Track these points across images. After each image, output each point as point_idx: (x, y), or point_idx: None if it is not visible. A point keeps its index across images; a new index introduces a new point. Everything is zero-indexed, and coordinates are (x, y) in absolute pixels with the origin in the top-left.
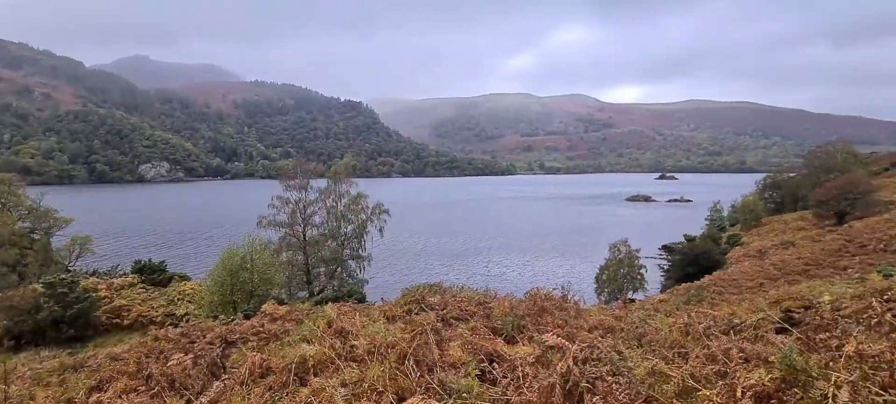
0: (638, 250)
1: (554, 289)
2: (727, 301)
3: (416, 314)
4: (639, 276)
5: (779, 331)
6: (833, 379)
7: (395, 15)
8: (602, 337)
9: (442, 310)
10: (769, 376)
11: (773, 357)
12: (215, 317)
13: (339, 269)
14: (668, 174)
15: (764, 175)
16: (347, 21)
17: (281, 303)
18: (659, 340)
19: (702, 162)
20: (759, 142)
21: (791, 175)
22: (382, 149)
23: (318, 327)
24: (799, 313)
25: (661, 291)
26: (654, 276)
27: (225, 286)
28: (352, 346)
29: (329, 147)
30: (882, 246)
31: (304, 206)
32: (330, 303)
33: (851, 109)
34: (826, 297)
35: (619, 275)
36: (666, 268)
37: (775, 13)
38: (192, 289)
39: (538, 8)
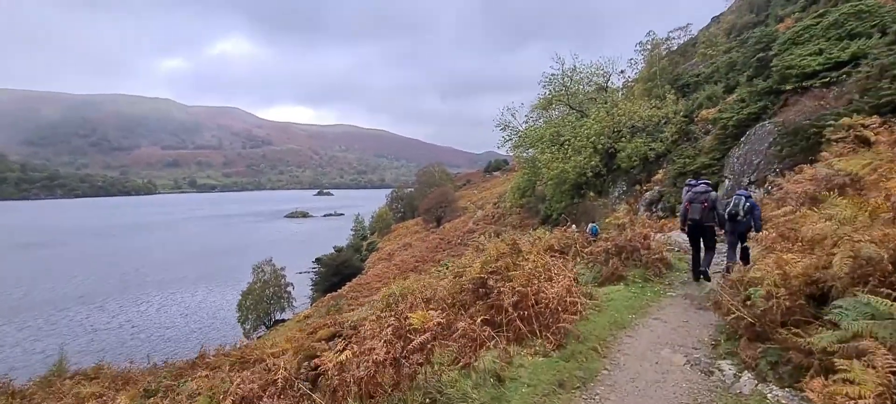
0: (283, 268)
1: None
2: (359, 303)
3: None
4: (285, 295)
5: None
6: None
7: None
8: None
9: None
10: None
11: None
12: None
13: None
14: (325, 190)
15: (391, 190)
16: None
17: None
18: None
19: (353, 179)
20: (393, 164)
21: (409, 189)
22: None
23: None
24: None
25: (311, 304)
26: (306, 291)
27: None
28: None
29: None
30: (459, 240)
31: None
32: None
33: (449, 142)
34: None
35: (265, 297)
36: (314, 280)
37: (403, 67)
38: None
39: (197, 11)
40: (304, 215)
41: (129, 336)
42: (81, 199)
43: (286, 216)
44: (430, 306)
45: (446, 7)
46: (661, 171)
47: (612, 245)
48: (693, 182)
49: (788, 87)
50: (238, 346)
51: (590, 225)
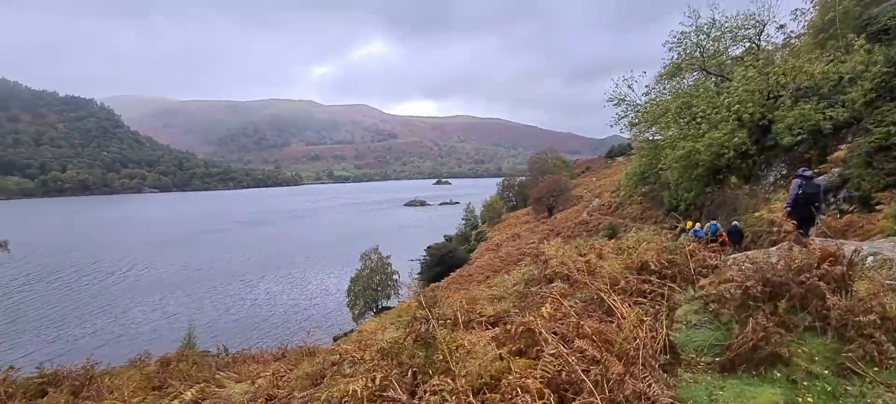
0: (388, 256)
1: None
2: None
3: None
4: (392, 283)
5: None
6: None
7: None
8: None
9: None
10: None
11: None
12: None
13: None
14: (443, 180)
15: (502, 178)
16: None
17: None
18: None
19: (470, 168)
20: (509, 152)
21: (521, 178)
22: (129, 158)
23: None
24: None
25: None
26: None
27: None
28: None
29: (42, 156)
30: (569, 232)
31: None
32: None
33: (568, 128)
34: None
35: (372, 284)
36: (420, 270)
37: (524, 54)
38: None
39: (343, 20)
40: (422, 204)
41: (266, 312)
42: (246, 190)
43: (405, 204)
44: None
45: None
46: (844, 147)
47: (756, 279)
48: (807, 171)
49: None
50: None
51: (709, 223)
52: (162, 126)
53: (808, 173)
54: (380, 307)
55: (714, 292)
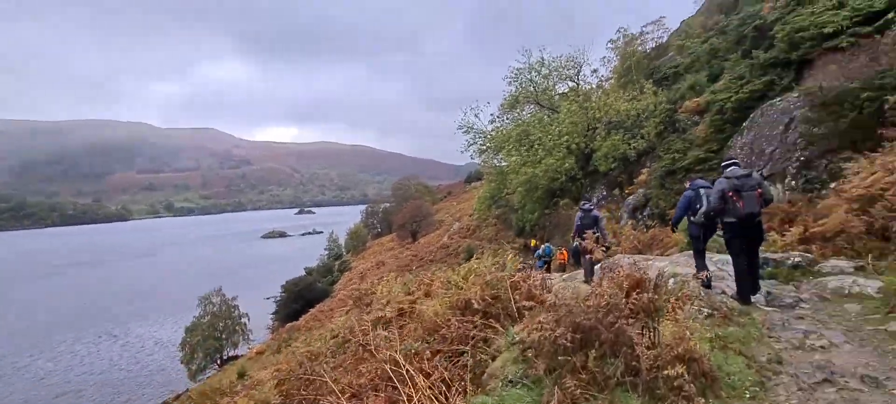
0: (234, 298)
1: None
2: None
3: None
4: (240, 327)
5: None
6: None
7: None
8: None
9: None
10: None
11: None
12: None
13: None
14: (306, 209)
15: (366, 205)
16: None
17: None
18: None
19: (335, 196)
20: (375, 179)
21: (386, 204)
22: None
23: None
24: None
25: (271, 335)
26: (269, 321)
27: None
28: None
29: None
30: (431, 257)
31: None
32: None
33: (432, 154)
34: None
35: (214, 333)
36: (275, 309)
37: (389, 83)
38: None
39: (192, 35)
40: (282, 235)
41: (76, 384)
42: (51, 229)
43: (263, 236)
44: None
45: (439, 24)
46: (644, 171)
47: (566, 324)
48: (586, 205)
49: (796, 56)
50: None
51: (543, 245)
52: None
53: (587, 206)
54: (226, 357)
55: (528, 339)
